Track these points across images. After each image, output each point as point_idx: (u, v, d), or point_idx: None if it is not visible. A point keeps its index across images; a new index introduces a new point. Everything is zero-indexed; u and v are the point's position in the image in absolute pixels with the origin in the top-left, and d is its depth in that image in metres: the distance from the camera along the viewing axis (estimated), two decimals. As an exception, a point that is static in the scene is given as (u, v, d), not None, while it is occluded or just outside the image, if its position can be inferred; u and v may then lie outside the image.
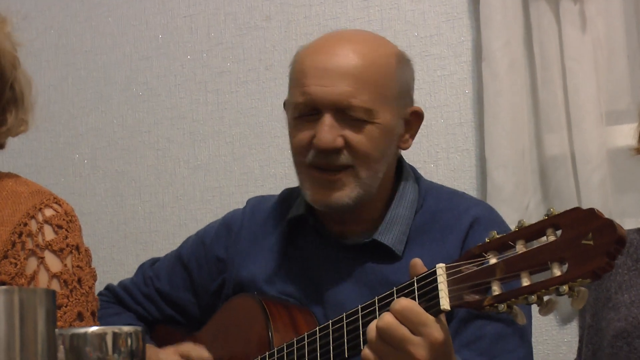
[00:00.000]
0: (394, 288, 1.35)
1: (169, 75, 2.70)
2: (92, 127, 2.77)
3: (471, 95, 2.38)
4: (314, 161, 1.59)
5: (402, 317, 1.28)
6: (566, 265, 1.16)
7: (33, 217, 1.56)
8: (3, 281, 1.52)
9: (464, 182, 2.36)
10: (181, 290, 1.81)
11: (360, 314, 1.39)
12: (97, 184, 2.75)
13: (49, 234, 1.56)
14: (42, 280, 1.53)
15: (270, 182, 2.55)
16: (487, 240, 1.26)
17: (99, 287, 1.69)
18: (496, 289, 1.22)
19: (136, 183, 2.71)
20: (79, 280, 1.56)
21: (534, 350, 1.61)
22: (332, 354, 1.42)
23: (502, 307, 1.21)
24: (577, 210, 1.18)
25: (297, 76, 1.62)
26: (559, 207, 2.14)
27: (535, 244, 1.20)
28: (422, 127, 1.70)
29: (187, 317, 1.81)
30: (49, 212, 1.57)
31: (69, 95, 2.81)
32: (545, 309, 1.19)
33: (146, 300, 1.83)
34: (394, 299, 1.33)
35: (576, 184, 2.21)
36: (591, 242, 1.14)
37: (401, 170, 1.69)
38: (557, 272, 1.16)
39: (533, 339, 1.62)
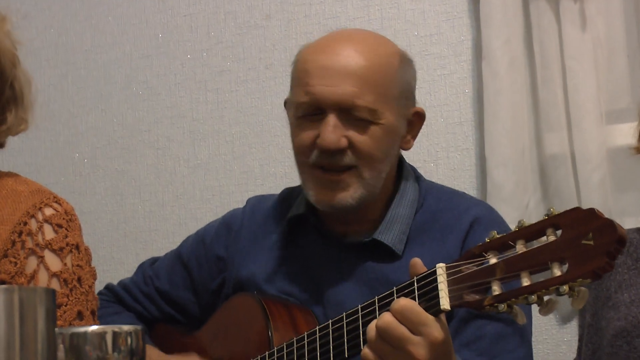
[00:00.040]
0: (394, 288, 1.35)
1: (169, 74, 2.70)
2: (92, 126, 2.77)
3: (471, 94, 2.38)
4: (318, 161, 1.59)
5: (402, 317, 1.28)
6: (566, 265, 1.16)
7: (33, 216, 1.56)
8: (3, 280, 1.52)
9: (464, 181, 2.36)
10: (181, 289, 1.81)
11: (360, 313, 1.39)
12: (97, 183, 2.75)
13: (48, 233, 1.56)
14: (42, 279, 1.53)
15: (270, 181, 2.55)
16: (487, 240, 1.26)
17: (98, 286, 1.69)
18: (496, 289, 1.22)
19: (136, 182, 2.71)
20: (79, 279, 1.56)
21: (533, 349, 1.61)
22: (332, 354, 1.42)
23: (502, 307, 1.21)
24: (577, 210, 1.18)
25: (300, 75, 1.61)
26: (559, 206, 2.13)
27: (536, 244, 1.20)
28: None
29: (187, 316, 1.81)
30: (48, 211, 1.57)
31: (69, 94, 2.81)
32: (546, 309, 1.19)
33: (146, 300, 1.83)
34: (394, 298, 1.33)
35: (576, 183, 2.21)
36: (591, 242, 1.14)
37: (401, 170, 1.69)
38: (557, 272, 1.16)
39: (533, 339, 1.62)
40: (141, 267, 1.89)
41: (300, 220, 1.70)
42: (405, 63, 1.64)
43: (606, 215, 1.16)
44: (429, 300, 1.29)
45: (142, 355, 0.94)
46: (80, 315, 1.54)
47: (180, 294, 1.81)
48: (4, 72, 1.59)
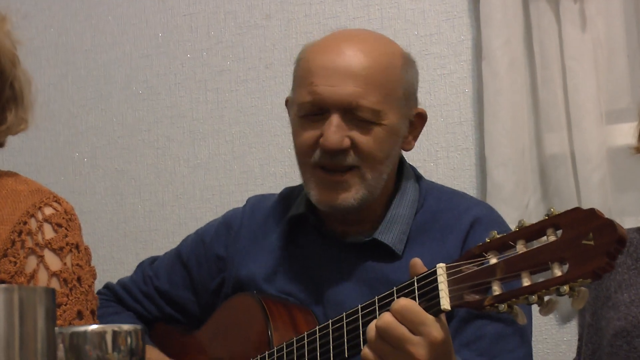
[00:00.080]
0: (394, 288, 1.35)
1: (169, 74, 2.70)
2: (92, 125, 2.77)
3: (471, 94, 2.38)
4: (320, 161, 1.58)
5: (402, 317, 1.28)
6: (567, 266, 1.16)
7: (33, 215, 1.56)
8: (2, 279, 1.51)
9: (464, 181, 2.36)
10: (180, 289, 1.80)
11: (360, 313, 1.39)
12: (97, 182, 2.75)
13: (48, 232, 1.56)
14: (42, 278, 1.53)
15: (270, 180, 2.55)
16: (487, 240, 1.26)
17: (98, 285, 1.69)
18: (496, 289, 1.22)
19: (136, 182, 2.71)
20: (79, 279, 1.56)
21: (533, 349, 1.61)
22: (332, 354, 1.42)
23: (503, 307, 1.21)
24: (577, 210, 1.18)
25: (304, 75, 1.61)
26: (559, 206, 2.13)
27: (536, 244, 1.20)
28: (422, 126, 1.70)
29: (186, 316, 1.81)
30: (48, 211, 1.57)
31: (69, 93, 2.81)
32: (546, 309, 1.19)
33: (145, 299, 1.83)
34: (394, 298, 1.33)
35: (576, 183, 2.21)
36: (592, 242, 1.14)
37: (402, 170, 1.69)
38: (557, 272, 1.16)
39: (533, 338, 1.62)
40: (140, 266, 1.89)
41: (301, 220, 1.70)
42: (408, 64, 1.64)
43: (606, 215, 1.16)
44: (429, 300, 1.29)
45: (141, 355, 0.94)
46: (80, 315, 1.54)
47: (180, 293, 1.80)
48: (4, 71, 1.59)
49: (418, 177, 1.71)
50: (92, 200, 2.73)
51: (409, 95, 1.63)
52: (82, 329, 0.92)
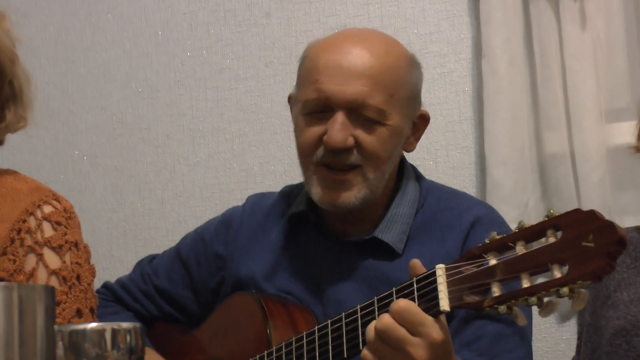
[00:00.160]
0: (394, 288, 1.35)
1: (169, 72, 2.70)
2: (92, 123, 2.77)
3: (471, 93, 2.38)
4: (323, 159, 1.58)
5: (401, 318, 1.27)
6: (566, 267, 1.15)
7: (32, 213, 1.56)
8: (2, 278, 1.52)
9: (464, 180, 2.36)
10: (180, 287, 1.80)
11: (359, 313, 1.39)
12: (97, 180, 2.75)
13: (47, 230, 1.56)
14: (41, 276, 1.53)
15: (270, 179, 2.55)
16: (487, 241, 1.25)
17: (98, 283, 1.69)
18: (496, 290, 1.21)
19: (135, 180, 2.71)
20: (78, 277, 1.56)
21: (532, 347, 1.61)
22: (331, 354, 1.42)
23: (502, 308, 1.20)
24: (577, 211, 1.17)
25: (310, 72, 1.60)
26: (559, 205, 2.14)
27: (536, 245, 1.19)
28: (422, 124, 1.70)
29: (185, 315, 1.81)
30: (47, 209, 1.57)
31: (69, 92, 2.81)
32: (546, 310, 1.18)
33: (144, 298, 1.83)
34: (393, 299, 1.33)
35: (576, 182, 2.21)
36: (592, 244, 1.13)
37: (403, 170, 1.69)
38: (557, 273, 1.16)
39: (532, 337, 1.62)
40: (139, 264, 1.89)
41: (301, 218, 1.70)
42: (414, 66, 1.64)
43: (606, 214, 1.16)
44: (429, 301, 1.29)
45: (141, 353, 0.94)
46: (79, 313, 1.54)
47: (179, 292, 1.80)
48: (3, 70, 1.59)
49: (418, 177, 1.71)
50: (92, 198, 2.73)
51: (414, 96, 1.63)
52: (81, 327, 0.92)
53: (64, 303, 1.52)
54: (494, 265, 1.23)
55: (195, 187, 2.64)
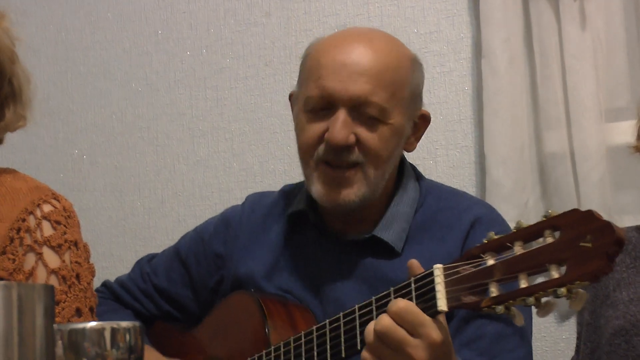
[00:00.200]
0: (392, 288, 1.35)
1: (168, 71, 2.70)
2: (91, 122, 2.77)
3: (470, 92, 2.38)
4: (324, 157, 1.58)
5: (400, 319, 1.27)
6: (564, 267, 1.15)
7: (31, 213, 1.56)
8: (1, 277, 1.51)
9: (463, 179, 2.36)
10: (179, 286, 1.80)
11: (357, 313, 1.38)
12: (96, 179, 2.75)
13: (47, 229, 1.56)
14: (41, 276, 1.53)
15: (270, 178, 2.55)
16: (484, 241, 1.25)
17: (97, 282, 1.69)
18: (494, 291, 1.21)
19: (135, 179, 2.71)
20: (78, 276, 1.56)
21: (532, 347, 1.61)
22: (330, 354, 1.42)
23: (500, 308, 1.20)
24: (575, 211, 1.17)
25: (312, 69, 1.60)
26: (558, 205, 2.13)
27: (534, 245, 1.19)
28: (421, 123, 1.70)
29: (185, 314, 1.81)
30: (47, 208, 1.57)
31: (68, 91, 2.81)
32: (543, 310, 1.18)
33: (144, 297, 1.83)
34: (391, 299, 1.33)
35: (575, 181, 2.21)
36: (590, 244, 1.13)
37: (402, 169, 1.69)
38: (555, 274, 1.15)
39: (532, 336, 1.62)
40: (138, 263, 1.89)
41: (301, 217, 1.70)
42: (416, 66, 1.64)
43: (605, 214, 1.16)
44: (427, 302, 1.29)
45: (140, 352, 0.94)
46: (78, 312, 1.54)
47: (179, 291, 1.80)
48: (2, 68, 1.59)
49: (418, 176, 1.71)
50: (91, 197, 2.73)
51: (415, 96, 1.63)
52: (80, 326, 0.92)
53: (64, 302, 1.52)
54: (492, 266, 1.22)
55: (195, 186, 2.64)
